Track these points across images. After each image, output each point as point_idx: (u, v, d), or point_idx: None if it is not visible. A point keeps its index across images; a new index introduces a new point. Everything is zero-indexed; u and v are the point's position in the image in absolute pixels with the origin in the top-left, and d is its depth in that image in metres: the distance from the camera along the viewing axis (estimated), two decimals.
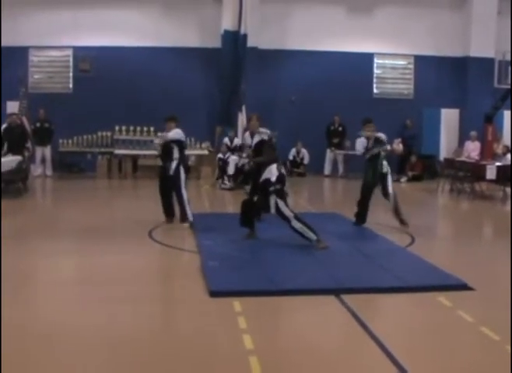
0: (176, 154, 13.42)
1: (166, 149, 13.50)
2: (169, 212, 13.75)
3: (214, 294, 8.32)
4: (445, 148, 26.23)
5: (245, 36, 24.43)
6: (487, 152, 23.63)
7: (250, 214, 11.97)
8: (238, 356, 6.40)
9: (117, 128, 24.29)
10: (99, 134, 24.53)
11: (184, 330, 7.21)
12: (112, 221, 14.28)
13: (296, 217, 11.38)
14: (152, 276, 9.84)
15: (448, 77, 26.57)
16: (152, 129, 24.25)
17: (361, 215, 13.94)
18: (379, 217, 14.95)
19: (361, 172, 14.25)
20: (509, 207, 17.90)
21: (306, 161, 25.60)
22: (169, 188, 13.53)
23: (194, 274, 9.49)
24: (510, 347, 6.57)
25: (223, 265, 9.91)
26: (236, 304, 7.92)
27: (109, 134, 24.49)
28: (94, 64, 24.88)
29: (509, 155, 20.78)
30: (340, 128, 25.39)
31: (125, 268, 10.08)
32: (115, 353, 6.47)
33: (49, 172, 23.82)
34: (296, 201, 19.18)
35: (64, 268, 10.20)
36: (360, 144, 14.13)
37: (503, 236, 13.06)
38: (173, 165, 13.36)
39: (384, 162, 13.98)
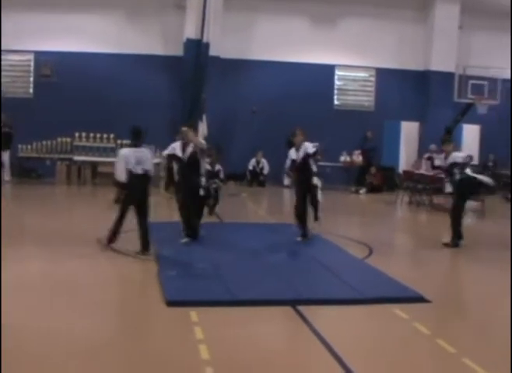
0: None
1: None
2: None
3: (170, 303, 8.28)
4: (405, 160, 26.41)
5: (207, 44, 24.44)
6: None
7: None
8: (194, 366, 6.37)
9: (77, 135, 24.19)
10: (59, 140, 24.40)
11: (139, 340, 7.16)
12: (70, 229, 14.12)
13: None
14: (108, 284, 9.76)
15: (409, 90, 26.80)
16: (111, 136, 24.17)
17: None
18: (338, 228, 15.01)
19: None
20: (467, 220, 18.00)
21: (266, 171, 25.63)
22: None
23: (152, 283, 9.44)
24: (465, 359, 6.61)
25: (181, 274, 9.89)
26: (193, 314, 7.89)
27: (69, 140, 24.38)
28: (56, 70, 24.67)
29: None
30: None
31: (82, 276, 9.99)
32: (68, 361, 6.39)
33: (7, 177, 23.53)
34: (255, 211, 19.25)
35: (20, 275, 10.06)
36: None
37: (459, 249, 13.16)
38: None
39: None
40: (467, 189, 13.64)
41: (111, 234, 11.78)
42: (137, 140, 11.83)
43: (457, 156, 13.66)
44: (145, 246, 11.56)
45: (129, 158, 11.50)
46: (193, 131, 13.04)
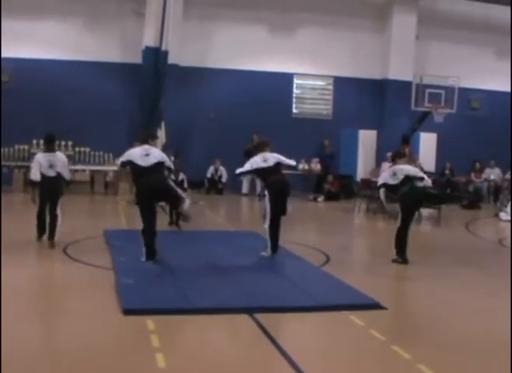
0: None
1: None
2: None
3: (127, 312, 8.25)
4: (362, 168, 26.56)
5: (166, 52, 24.35)
6: None
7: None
8: None
9: (34, 142, 23.91)
10: (16, 147, 24.12)
11: (95, 348, 7.09)
12: (27, 236, 13.94)
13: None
14: (65, 292, 9.70)
15: (366, 98, 27.00)
16: (70, 143, 23.99)
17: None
18: (296, 236, 15.05)
19: None
20: (423, 228, 18.13)
21: (224, 179, 25.58)
22: None
23: (108, 292, 9.39)
24: (420, 365, 6.69)
25: (138, 282, 9.84)
26: (150, 322, 7.86)
27: (26, 147, 24.11)
28: (14, 76, 24.41)
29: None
30: None
31: (37, 284, 9.93)
32: (23, 370, 6.36)
33: None
34: (213, 219, 19.24)
35: None
36: None
37: (416, 256, 13.24)
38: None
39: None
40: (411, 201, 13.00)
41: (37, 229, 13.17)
42: (49, 145, 13.15)
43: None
44: (50, 235, 12.78)
45: (41, 162, 12.75)
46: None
